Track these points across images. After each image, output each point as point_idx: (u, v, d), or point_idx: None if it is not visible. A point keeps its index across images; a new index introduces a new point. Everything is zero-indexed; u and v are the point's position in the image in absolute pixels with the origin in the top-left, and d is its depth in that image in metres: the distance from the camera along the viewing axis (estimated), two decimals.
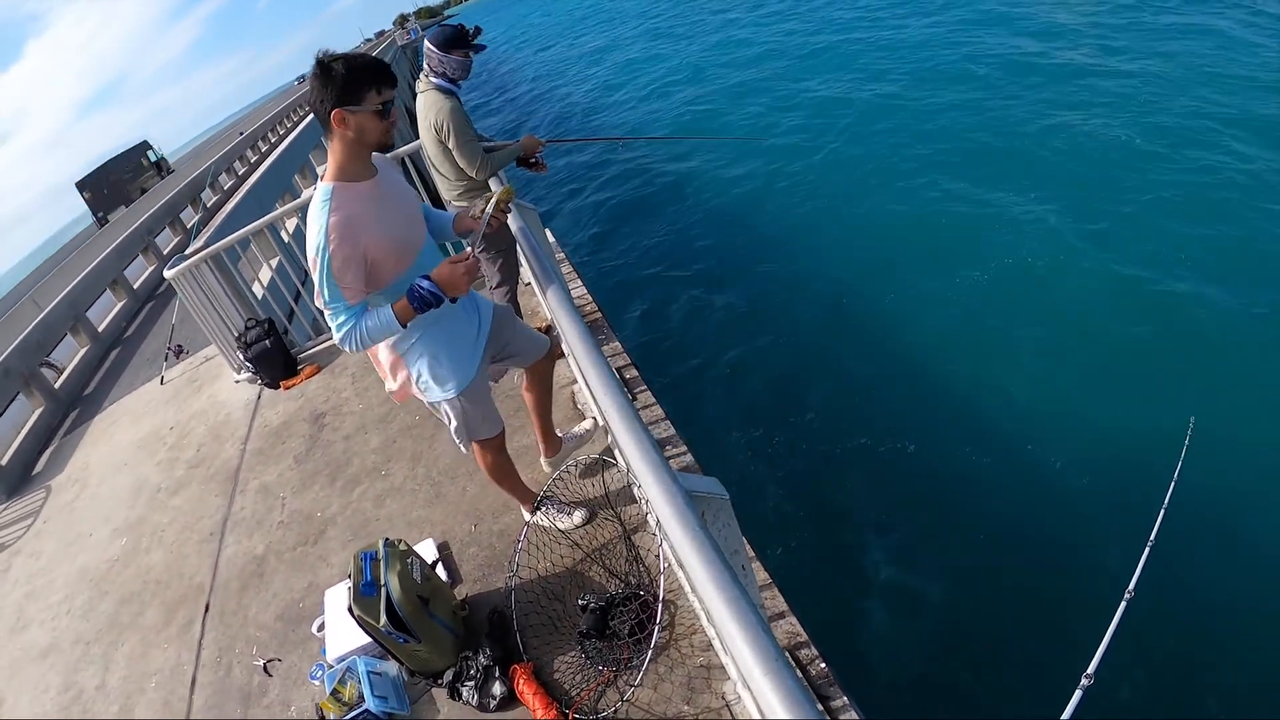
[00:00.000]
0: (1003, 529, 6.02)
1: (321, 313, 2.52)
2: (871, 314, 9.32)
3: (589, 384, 2.41)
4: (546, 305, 3.06)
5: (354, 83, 2.34)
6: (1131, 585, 2.73)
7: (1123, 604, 2.62)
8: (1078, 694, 2.13)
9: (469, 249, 2.63)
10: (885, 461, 7.04)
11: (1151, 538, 3.16)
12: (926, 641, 5.34)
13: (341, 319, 2.44)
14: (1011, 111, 12.89)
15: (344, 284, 2.41)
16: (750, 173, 13.47)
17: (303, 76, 70.66)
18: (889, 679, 4.93)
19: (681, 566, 1.75)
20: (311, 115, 26.06)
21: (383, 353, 2.95)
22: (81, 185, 35.58)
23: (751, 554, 3.24)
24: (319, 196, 2.45)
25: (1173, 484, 3.68)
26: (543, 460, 4.00)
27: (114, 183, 36.39)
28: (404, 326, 2.48)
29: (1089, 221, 9.60)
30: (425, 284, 2.41)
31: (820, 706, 2.69)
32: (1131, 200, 9.66)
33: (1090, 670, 2.23)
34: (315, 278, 2.43)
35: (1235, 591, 5.16)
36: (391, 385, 3.05)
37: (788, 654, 2.88)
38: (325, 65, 2.33)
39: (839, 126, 14.27)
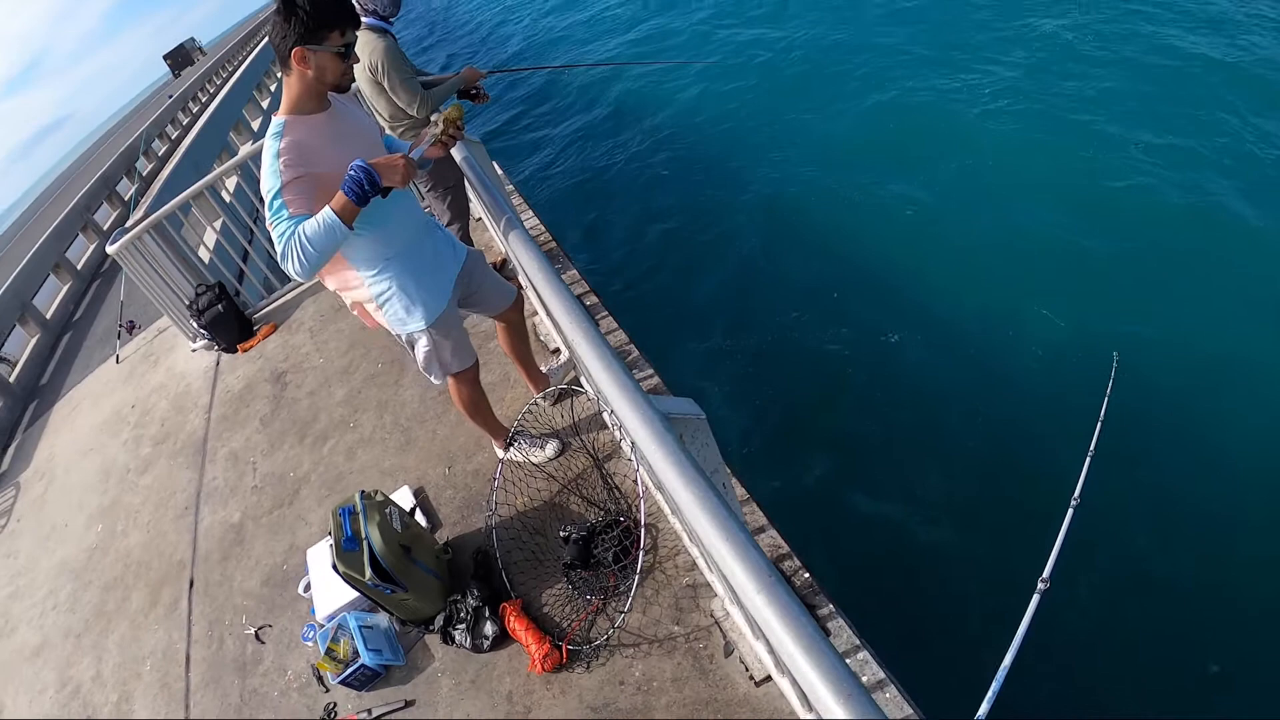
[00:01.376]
0: (951, 441, 6.02)
1: (274, 269, 2.40)
2: (815, 224, 9.04)
3: (551, 314, 2.32)
4: (500, 237, 2.93)
5: (317, 21, 2.27)
6: (1077, 492, 2.75)
7: (1070, 510, 2.64)
8: (1035, 598, 2.13)
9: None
10: (837, 374, 6.92)
11: (1091, 447, 3.18)
12: (886, 552, 5.34)
13: (281, 228, 2.27)
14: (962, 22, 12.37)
15: (288, 198, 2.29)
16: (695, 96, 13.06)
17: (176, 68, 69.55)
18: (860, 587, 4.95)
19: (662, 490, 1.71)
20: (243, 70, 25.29)
21: (351, 283, 2.85)
22: (167, 56, 59.53)
23: (728, 470, 3.19)
24: (271, 130, 2.37)
25: (1108, 392, 3.76)
26: (539, 397, 3.89)
27: (184, 55, 58.61)
28: (349, 226, 2.28)
29: (1040, 130, 9.27)
30: (359, 162, 2.27)
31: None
32: (1091, 109, 9.35)
33: (1045, 575, 2.23)
34: (266, 204, 2.33)
35: (1175, 490, 5.21)
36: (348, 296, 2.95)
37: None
38: (289, 2, 2.24)
39: (786, 47, 13.76)
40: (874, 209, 8.99)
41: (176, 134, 23.66)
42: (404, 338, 3.02)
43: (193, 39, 67.52)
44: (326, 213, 2.25)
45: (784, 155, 10.67)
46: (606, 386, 1.91)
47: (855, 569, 5.02)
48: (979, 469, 5.73)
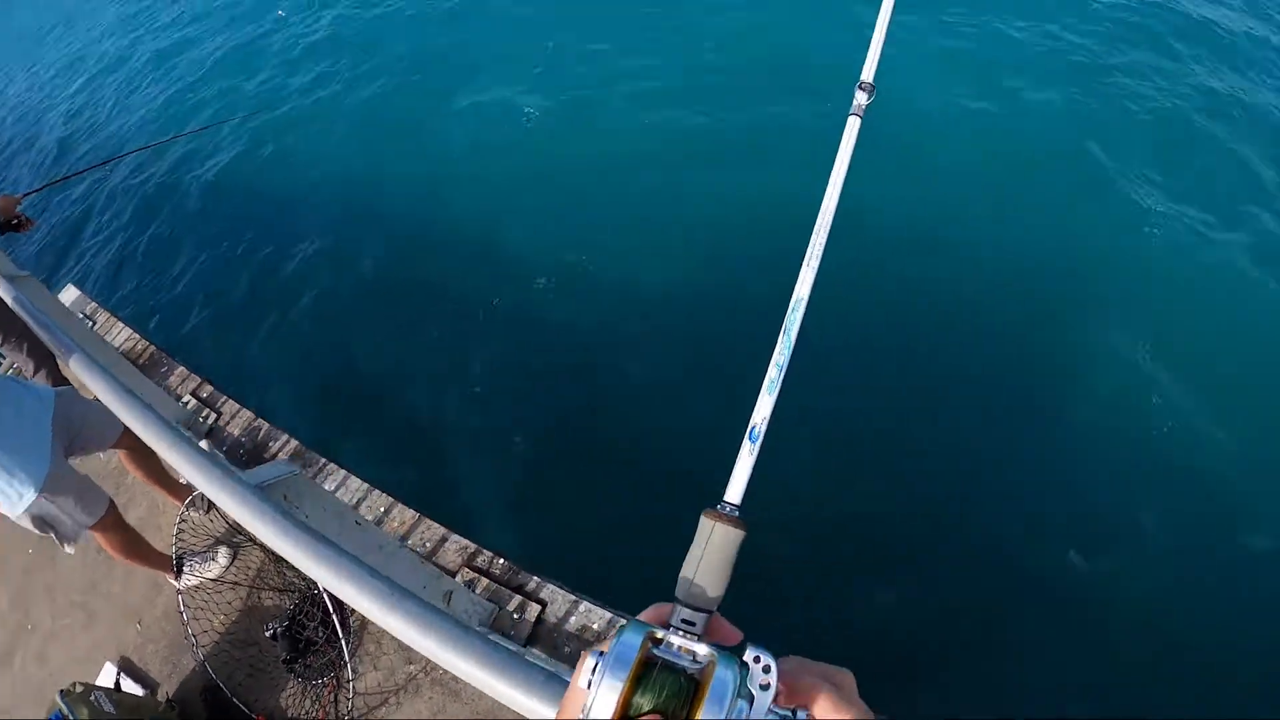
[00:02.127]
0: (603, 384, 5.81)
1: None
2: (396, 237, 8.34)
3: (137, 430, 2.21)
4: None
5: None
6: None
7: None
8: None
9: None
10: (472, 365, 6.31)
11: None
12: (579, 515, 5.11)
13: None
14: None
15: None
16: (241, 153, 11.89)
17: None
18: (566, 554, 4.80)
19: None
20: None
21: None
22: None
23: (385, 506, 3.15)
24: None
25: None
26: (184, 510, 3.58)
27: None
28: None
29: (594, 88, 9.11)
30: None
31: (517, 597, 2.75)
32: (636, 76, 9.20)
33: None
34: None
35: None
36: None
37: (466, 569, 2.90)
38: None
39: (321, 79, 12.72)
40: (455, 208, 8.54)
41: None
42: (23, 517, 2.70)
43: None
44: None
45: (352, 188, 9.84)
46: (201, 485, 1.88)
47: (552, 539, 4.78)
48: (640, 399, 5.60)
